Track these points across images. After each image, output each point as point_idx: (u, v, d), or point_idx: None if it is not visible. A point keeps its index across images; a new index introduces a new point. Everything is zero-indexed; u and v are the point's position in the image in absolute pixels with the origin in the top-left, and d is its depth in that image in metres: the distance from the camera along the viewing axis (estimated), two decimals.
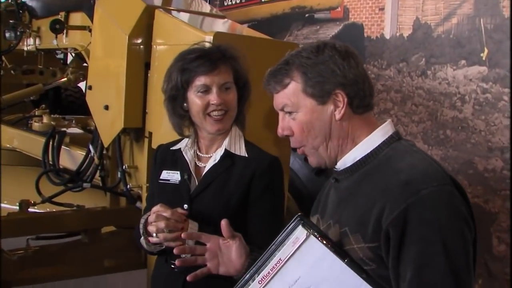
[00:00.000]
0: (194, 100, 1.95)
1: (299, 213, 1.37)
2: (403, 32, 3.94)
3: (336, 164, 1.52)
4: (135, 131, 2.93)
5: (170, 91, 2.00)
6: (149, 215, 1.85)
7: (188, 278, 1.64)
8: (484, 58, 3.46)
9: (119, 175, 3.03)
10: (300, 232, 1.32)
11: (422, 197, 1.27)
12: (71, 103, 6.30)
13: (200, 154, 2.04)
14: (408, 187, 1.30)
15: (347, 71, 1.44)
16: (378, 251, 1.34)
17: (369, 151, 1.45)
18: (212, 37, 2.32)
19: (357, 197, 1.42)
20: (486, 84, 3.43)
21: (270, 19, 4.67)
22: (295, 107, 1.48)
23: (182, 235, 1.74)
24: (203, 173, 1.98)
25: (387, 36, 4.05)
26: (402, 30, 3.95)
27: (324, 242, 1.30)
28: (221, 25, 2.91)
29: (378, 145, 1.45)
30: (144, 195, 2.79)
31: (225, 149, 1.97)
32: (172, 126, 2.07)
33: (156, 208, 1.83)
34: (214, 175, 1.96)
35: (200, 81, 1.93)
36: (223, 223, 1.60)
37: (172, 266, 1.89)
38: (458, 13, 3.59)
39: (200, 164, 2.02)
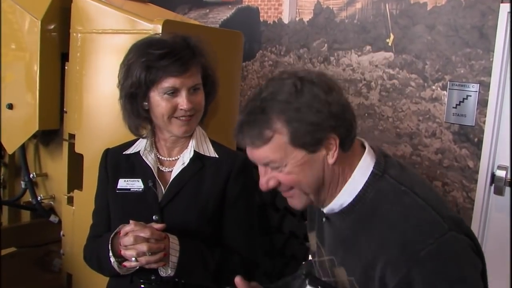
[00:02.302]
0: (159, 102, 1.73)
1: (304, 273, 1.40)
2: (303, 17, 3.85)
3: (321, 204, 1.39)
4: (44, 133, 2.50)
5: (129, 88, 1.74)
6: (119, 236, 1.64)
7: None
8: (390, 44, 3.49)
9: (23, 186, 2.59)
10: None
11: (421, 259, 1.19)
12: None
13: (162, 158, 1.84)
14: (406, 250, 1.20)
15: (334, 108, 1.25)
16: None
17: (354, 195, 1.32)
18: (161, 26, 2.03)
19: (357, 247, 1.30)
20: (393, 70, 3.47)
21: (151, 1, 4.32)
22: (282, 161, 1.28)
23: None
24: (171, 179, 1.79)
25: (286, 21, 3.93)
26: (302, 14, 3.85)
27: None
28: (155, 12, 2.57)
29: (362, 188, 1.32)
30: (64, 206, 2.43)
31: (194, 151, 1.79)
32: (127, 126, 1.81)
33: (130, 227, 1.61)
34: (184, 180, 1.78)
35: (169, 83, 1.71)
36: (237, 280, 1.46)
37: (142, 286, 1.74)
38: None
39: (164, 169, 1.82)
